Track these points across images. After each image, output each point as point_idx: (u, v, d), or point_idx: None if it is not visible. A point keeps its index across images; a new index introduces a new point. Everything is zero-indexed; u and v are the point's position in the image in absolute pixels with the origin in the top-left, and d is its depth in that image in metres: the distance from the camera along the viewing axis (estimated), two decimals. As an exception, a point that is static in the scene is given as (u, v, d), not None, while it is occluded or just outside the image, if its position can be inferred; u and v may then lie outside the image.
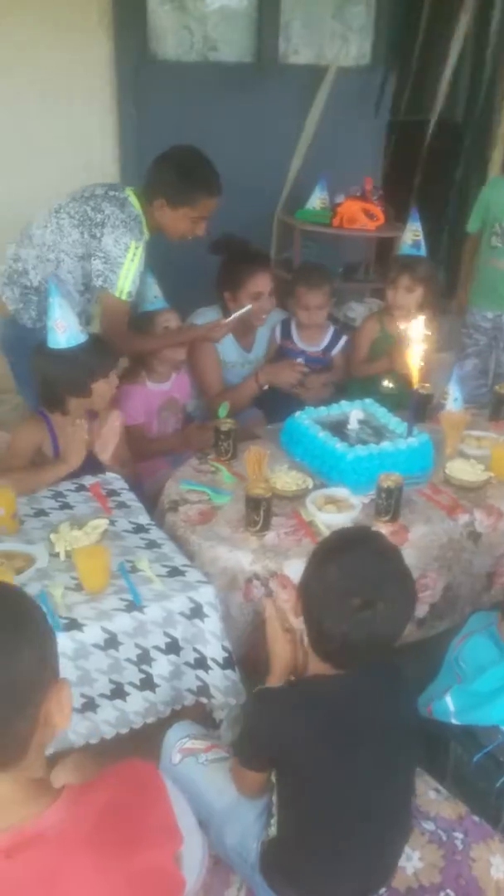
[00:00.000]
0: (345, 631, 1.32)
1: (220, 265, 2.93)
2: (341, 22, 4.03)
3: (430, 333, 2.52)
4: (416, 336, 2.39)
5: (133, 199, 2.52)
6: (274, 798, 1.45)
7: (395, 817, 1.48)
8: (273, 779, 1.44)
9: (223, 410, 2.62)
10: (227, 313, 2.92)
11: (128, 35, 3.36)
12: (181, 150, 2.51)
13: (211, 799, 1.55)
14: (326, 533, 2.11)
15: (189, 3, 3.67)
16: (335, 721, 1.36)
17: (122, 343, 2.55)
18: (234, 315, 2.76)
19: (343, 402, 2.68)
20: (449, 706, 1.92)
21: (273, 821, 1.45)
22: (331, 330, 3.24)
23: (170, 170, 2.48)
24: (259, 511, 2.09)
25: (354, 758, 1.37)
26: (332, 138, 4.01)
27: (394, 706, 1.44)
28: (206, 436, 2.58)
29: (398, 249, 3.19)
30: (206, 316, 2.94)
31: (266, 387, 2.98)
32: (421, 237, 3.00)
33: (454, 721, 1.91)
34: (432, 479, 2.43)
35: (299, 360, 3.05)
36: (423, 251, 3.06)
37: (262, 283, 2.87)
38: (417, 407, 2.69)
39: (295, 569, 2.01)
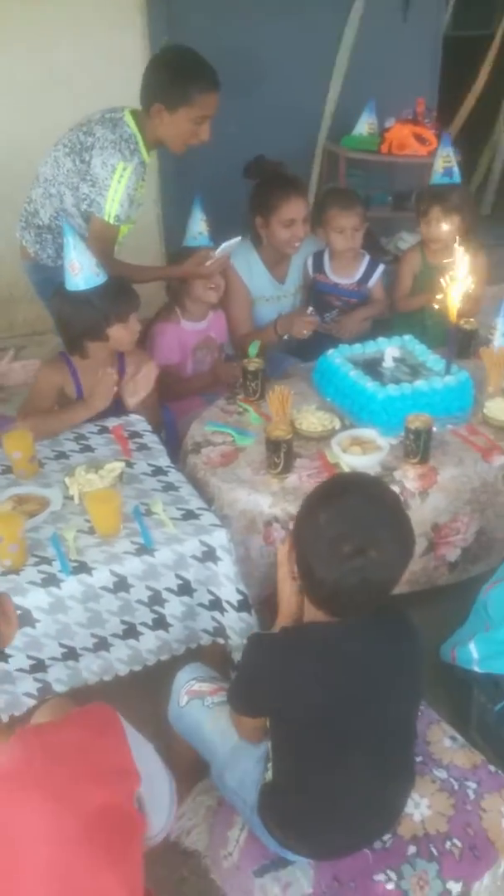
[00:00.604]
0: (336, 578, 1.27)
1: (253, 188, 2.80)
2: None
3: (468, 266, 2.37)
4: (454, 270, 2.24)
5: (129, 118, 2.40)
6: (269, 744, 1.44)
7: (396, 765, 1.45)
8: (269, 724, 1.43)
9: (254, 349, 2.55)
10: (259, 244, 2.81)
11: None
12: (171, 49, 2.41)
13: (214, 742, 1.55)
14: (351, 476, 2.05)
15: None
16: (328, 668, 1.33)
17: (107, 270, 2.48)
18: (223, 247, 2.56)
19: (380, 339, 2.57)
20: (472, 653, 1.87)
21: (270, 765, 1.44)
22: (366, 259, 3.05)
23: (160, 70, 2.34)
24: (279, 453, 2.04)
25: (349, 706, 1.33)
26: (378, 56, 3.76)
27: (395, 653, 1.39)
28: (236, 371, 2.51)
29: (430, 178, 2.98)
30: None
31: (286, 336, 2.87)
32: (453, 164, 2.81)
33: (477, 669, 1.86)
34: (471, 419, 2.31)
35: (310, 310, 2.89)
36: (456, 178, 2.85)
37: (295, 208, 2.73)
38: (458, 343, 2.56)
39: (315, 511, 1.97)
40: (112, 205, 2.38)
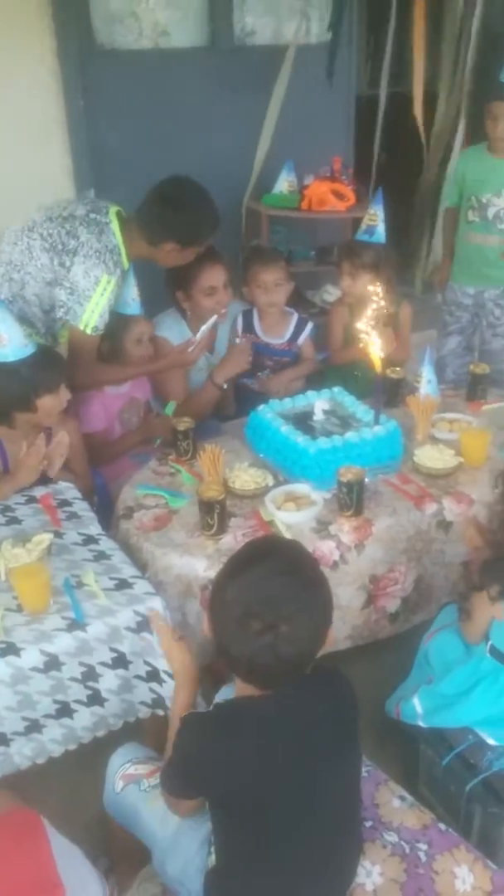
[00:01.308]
0: (249, 655, 1.23)
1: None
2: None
3: (392, 318, 2.42)
4: (370, 322, 2.29)
5: (115, 226, 2.40)
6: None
7: (344, 834, 1.40)
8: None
9: (170, 408, 2.54)
10: (186, 315, 2.83)
11: (70, 25, 3.24)
12: (185, 187, 2.41)
13: (153, 828, 1.48)
14: (286, 534, 2.04)
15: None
16: (263, 742, 1.28)
17: (86, 376, 2.48)
18: (203, 329, 2.63)
19: (309, 392, 2.59)
20: (416, 708, 1.85)
21: (213, 849, 1.38)
22: (294, 318, 3.10)
23: (180, 212, 2.38)
24: (213, 514, 2.01)
25: (289, 778, 1.29)
26: (299, 119, 3.88)
27: (331, 716, 1.35)
28: (167, 423, 2.49)
29: (355, 233, 3.06)
30: (166, 324, 2.83)
31: (226, 386, 2.88)
32: (377, 222, 2.87)
33: (421, 724, 1.84)
34: (401, 468, 2.33)
35: (238, 340, 2.93)
36: (378, 237, 2.92)
37: (213, 276, 2.74)
38: (387, 392, 2.60)
39: (250, 573, 1.94)
40: (91, 316, 2.38)
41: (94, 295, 2.36)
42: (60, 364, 2.25)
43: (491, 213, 3.23)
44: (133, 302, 2.60)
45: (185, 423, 2.38)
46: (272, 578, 1.26)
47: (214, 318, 2.67)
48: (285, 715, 1.30)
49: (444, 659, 1.86)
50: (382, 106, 4.18)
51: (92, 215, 2.42)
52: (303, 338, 3.10)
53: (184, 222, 2.39)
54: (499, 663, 1.73)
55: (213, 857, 1.40)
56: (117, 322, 2.56)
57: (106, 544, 1.98)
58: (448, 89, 4.14)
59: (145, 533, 2.08)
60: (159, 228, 2.41)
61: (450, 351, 3.57)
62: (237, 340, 2.91)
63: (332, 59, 3.89)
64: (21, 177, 2.79)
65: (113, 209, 2.46)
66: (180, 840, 1.44)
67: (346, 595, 2.09)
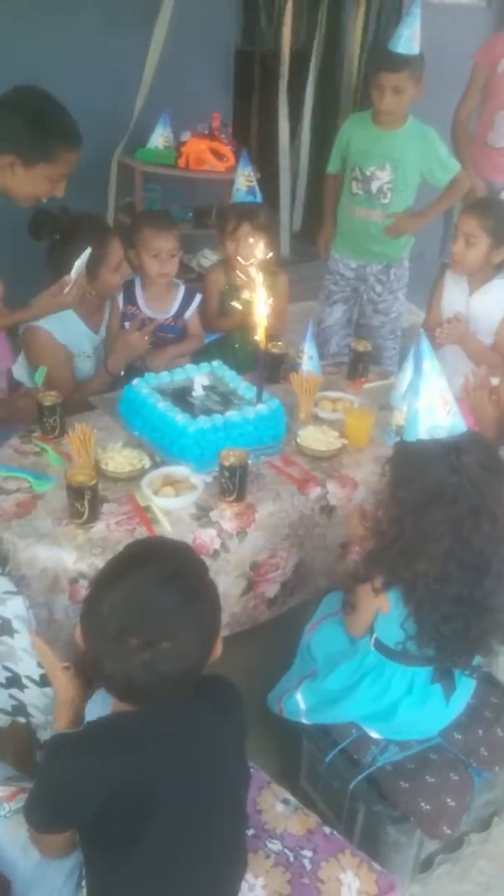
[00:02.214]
0: (126, 674, 1.10)
1: (49, 249, 2.46)
2: None
3: (272, 286, 2.29)
4: (253, 292, 2.15)
5: None
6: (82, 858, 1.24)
7: (228, 853, 1.30)
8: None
9: (39, 377, 2.30)
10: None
11: None
12: (27, 93, 2.06)
13: (14, 857, 1.32)
14: (163, 521, 1.89)
15: None
16: (143, 762, 1.16)
17: None
18: (77, 264, 2.26)
19: (188, 366, 2.43)
20: (300, 704, 1.78)
21: (84, 883, 1.24)
22: (181, 290, 2.87)
23: (17, 119, 2.01)
24: (83, 500, 1.83)
25: (169, 800, 1.17)
26: (175, 70, 3.65)
27: (216, 731, 1.24)
28: (34, 399, 2.22)
29: (232, 196, 2.90)
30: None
31: (122, 373, 2.63)
32: (254, 182, 2.75)
33: (304, 721, 1.76)
34: (284, 448, 2.23)
35: (127, 322, 2.70)
36: (258, 197, 2.81)
37: (114, 253, 2.49)
38: (268, 368, 2.49)
39: (125, 564, 1.78)
40: None
41: None
42: None
43: (374, 186, 3.13)
44: None
45: (51, 398, 2.17)
46: (152, 588, 1.13)
47: (88, 250, 2.29)
48: (167, 731, 1.17)
49: (328, 651, 1.80)
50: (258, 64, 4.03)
51: None
52: (190, 311, 2.88)
53: (22, 132, 2.02)
54: (383, 657, 1.68)
55: (83, 892, 1.26)
56: None
57: (-41, 536, 1.76)
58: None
59: (6, 521, 1.86)
60: None
61: (335, 321, 3.49)
62: (126, 325, 2.67)
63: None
64: None
65: None
66: (45, 872, 1.30)
67: (225, 583, 1.97)
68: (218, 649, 1.22)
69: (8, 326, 2.38)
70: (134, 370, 2.69)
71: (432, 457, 1.46)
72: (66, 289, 2.26)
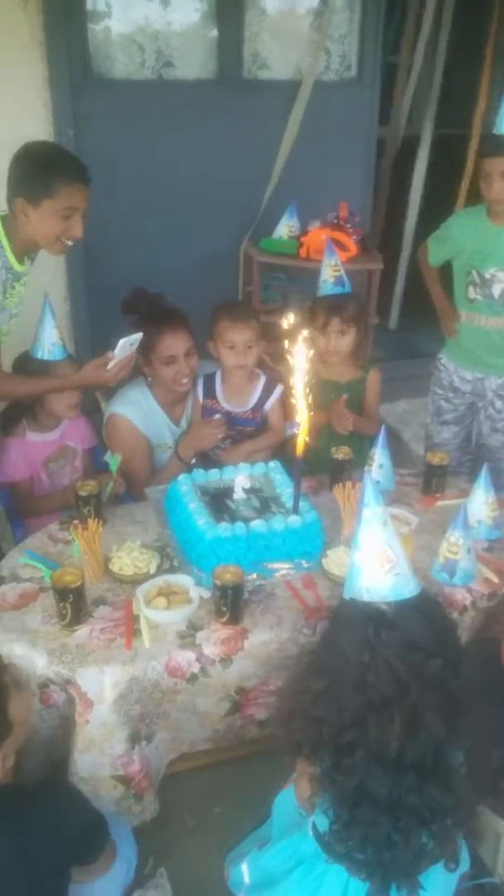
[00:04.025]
0: None
1: (132, 325, 2.54)
2: (320, 32, 3.66)
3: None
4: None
5: None
6: None
7: None
8: None
9: (114, 463, 2.32)
10: (147, 381, 2.63)
11: (63, 53, 3.13)
12: (34, 143, 2.22)
13: None
14: (145, 635, 1.82)
15: (139, 18, 3.41)
16: None
17: None
18: (121, 343, 2.26)
19: (242, 465, 2.35)
20: (244, 877, 1.56)
21: None
22: (261, 381, 2.77)
23: (21, 163, 2.16)
24: (66, 602, 1.82)
25: None
26: (309, 160, 3.68)
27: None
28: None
29: (319, 289, 2.80)
30: (126, 399, 2.62)
31: (193, 461, 2.63)
32: (342, 272, 2.64)
33: (243, 896, 1.55)
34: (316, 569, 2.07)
35: (217, 416, 2.69)
36: (348, 287, 2.70)
37: (173, 344, 2.52)
38: (331, 474, 2.36)
39: (90, 678, 1.73)
40: None
41: None
42: None
43: (497, 290, 2.72)
44: (54, 347, 2.38)
45: (87, 488, 2.19)
46: None
47: (139, 335, 2.32)
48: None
49: (284, 821, 1.57)
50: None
51: None
52: (269, 403, 2.77)
53: (25, 173, 2.13)
54: (319, 847, 1.41)
55: None
56: (38, 366, 2.37)
57: None
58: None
59: (2, 612, 1.89)
60: (8, 188, 2.17)
61: (444, 441, 3.09)
62: (216, 416, 2.68)
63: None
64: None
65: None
66: None
67: (206, 704, 1.86)
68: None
69: (53, 391, 2.41)
70: (213, 463, 2.66)
71: (350, 623, 1.25)
72: (110, 364, 2.29)
